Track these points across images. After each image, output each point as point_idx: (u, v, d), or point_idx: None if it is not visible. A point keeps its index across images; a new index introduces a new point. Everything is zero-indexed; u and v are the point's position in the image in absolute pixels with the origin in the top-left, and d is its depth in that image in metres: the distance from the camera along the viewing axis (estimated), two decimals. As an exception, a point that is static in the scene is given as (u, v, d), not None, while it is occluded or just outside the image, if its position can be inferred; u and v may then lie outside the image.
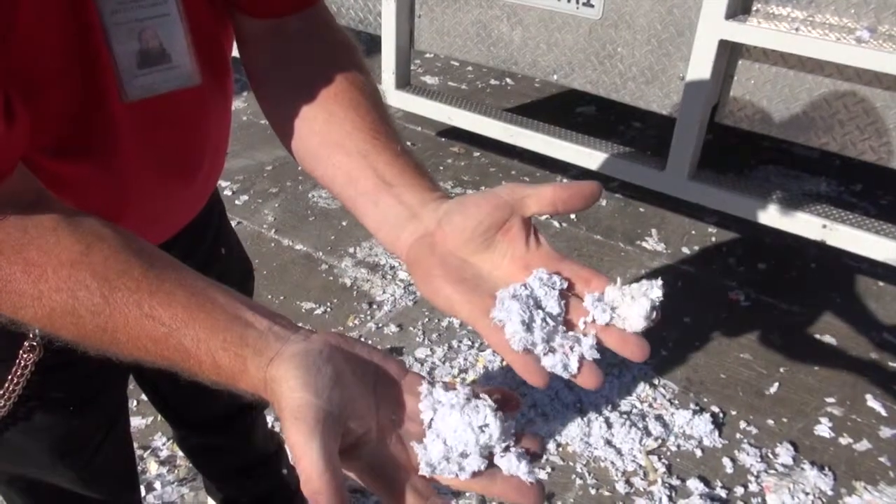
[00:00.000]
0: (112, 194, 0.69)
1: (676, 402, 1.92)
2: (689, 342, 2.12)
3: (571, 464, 1.75)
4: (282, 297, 2.26)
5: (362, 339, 0.55)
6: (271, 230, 2.60)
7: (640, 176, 2.32)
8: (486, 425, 0.49)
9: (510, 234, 0.55)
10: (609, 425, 1.82)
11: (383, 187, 0.61)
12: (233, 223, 1.58)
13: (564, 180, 2.78)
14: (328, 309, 2.21)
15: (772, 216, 2.13)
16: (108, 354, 0.52)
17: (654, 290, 0.51)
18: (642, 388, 1.95)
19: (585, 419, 1.84)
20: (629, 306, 0.51)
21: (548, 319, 0.51)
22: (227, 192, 2.78)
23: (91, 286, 0.50)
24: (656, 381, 1.97)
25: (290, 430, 0.44)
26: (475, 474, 0.49)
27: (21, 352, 0.73)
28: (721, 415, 1.89)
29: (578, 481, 1.71)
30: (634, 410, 1.88)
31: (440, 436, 0.49)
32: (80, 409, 0.84)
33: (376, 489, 0.48)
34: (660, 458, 1.76)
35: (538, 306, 0.52)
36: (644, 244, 2.54)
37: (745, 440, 1.82)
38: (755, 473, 1.74)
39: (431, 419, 0.50)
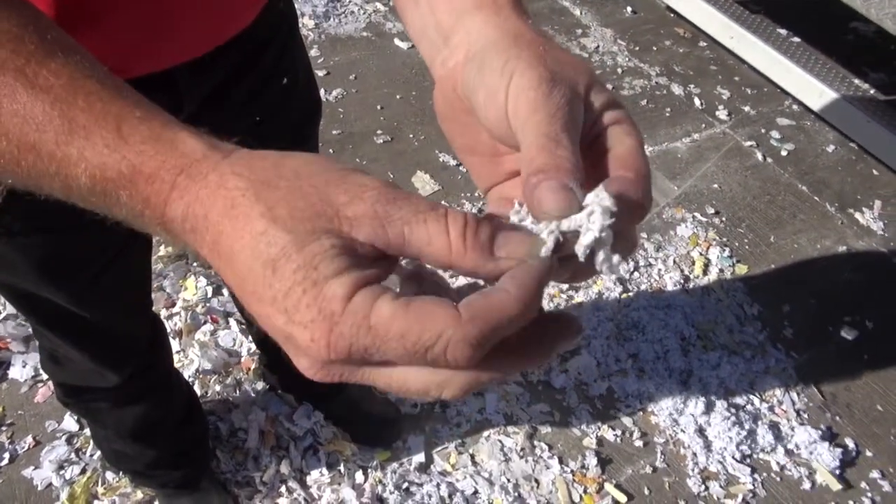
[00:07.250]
0: None
1: (806, 416, 1.57)
2: (859, 352, 1.70)
3: (647, 434, 1.51)
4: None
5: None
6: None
7: (874, 140, 1.80)
8: None
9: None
10: (709, 411, 1.53)
11: None
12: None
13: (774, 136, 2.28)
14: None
15: None
16: None
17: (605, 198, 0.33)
18: (770, 385, 1.61)
19: (685, 394, 1.56)
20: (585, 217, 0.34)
21: None
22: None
23: None
24: (791, 383, 1.62)
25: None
26: None
27: None
28: (854, 452, 1.53)
29: (646, 458, 1.48)
30: (749, 407, 1.56)
31: None
32: (68, 232, 0.73)
33: None
34: (753, 472, 1.47)
35: None
36: (858, 216, 2.04)
37: (871, 494, 1.46)
38: (863, 538, 1.41)
39: None
